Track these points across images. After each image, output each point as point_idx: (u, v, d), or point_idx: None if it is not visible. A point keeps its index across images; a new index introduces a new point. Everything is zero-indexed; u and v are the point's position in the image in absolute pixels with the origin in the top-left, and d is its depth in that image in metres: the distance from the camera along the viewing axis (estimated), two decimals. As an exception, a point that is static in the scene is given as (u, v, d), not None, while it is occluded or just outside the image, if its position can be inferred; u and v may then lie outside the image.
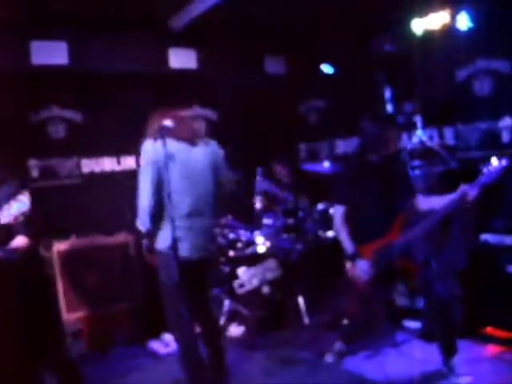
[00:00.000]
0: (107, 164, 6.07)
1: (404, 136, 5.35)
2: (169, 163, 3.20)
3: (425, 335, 4.18)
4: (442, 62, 5.12)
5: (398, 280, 3.78)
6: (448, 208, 3.49)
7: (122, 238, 5.07)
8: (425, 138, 5.12)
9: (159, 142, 3.24)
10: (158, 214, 3.34)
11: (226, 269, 5.03)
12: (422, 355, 3.88)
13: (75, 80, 5.58)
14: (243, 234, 5.23)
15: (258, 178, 5.30)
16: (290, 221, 5.34)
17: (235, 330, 4.92)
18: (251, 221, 5.47)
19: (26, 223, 3.28)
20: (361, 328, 4.12)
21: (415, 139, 5.15)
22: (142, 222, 3.37)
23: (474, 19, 4.68)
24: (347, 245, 3.77)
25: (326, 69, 6.10)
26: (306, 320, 4.99)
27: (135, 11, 5.18)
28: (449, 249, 4.45)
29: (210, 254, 3.55)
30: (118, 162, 6.11)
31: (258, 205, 5.43)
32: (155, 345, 4.74)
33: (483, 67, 4.88)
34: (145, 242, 3.53)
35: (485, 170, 3.38)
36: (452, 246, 4.45)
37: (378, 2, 4.89)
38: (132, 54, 5.77)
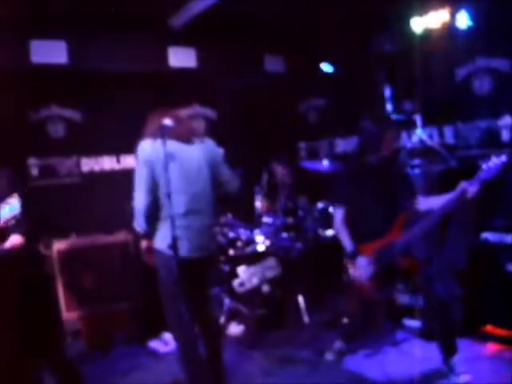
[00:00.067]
0: (107, 163, 6.08)
1: (404, 135, 5.35)
2: (169, 163, 3.20)
3: (424, 334, 4.18)
4: (441, 60, 5.12)
5: (398, 279, 3.78)
6: (447, 207, 3.49)
7: (121, 236, 5.06)
8: (425, 137, 5.12)
9: (159, 142, 3.23)
10: (154, 214, 3.34)
11: (226, 267, 5.03)
12: (422, 354, 3.87)
13: (75, 79, 5.58)
14: (243, 233, 5.23)
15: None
16: (290, 219, 5.34)
17: (235, 329, 4.92)
18: (251, 219, 5.48)
19: (20, 223, 3.28)
20: (361, 327, 4.12)
21: (415, 138, 5.15)
22: (138, 223, 3.37)
23: (473, 18, 4.67)
24: (347, 244, 3.79)
25: (326, 67, 6.10)
26: (306, 319, 4.99)
27: (135, 10, 5.18)
28: (448, 248, 4.46)
29: (210, 253, 3.54)
30: (118, 161, 6.12)
31: (258, 204, 5.44)
32: (155, 344, 4.74)
33: (483, 66, 4.88)
34: (143, 242, 3.53)
35: (484, 166, 3.38)
36: (452, 246, 4.45)
37: (377, 0, 4.89)
38: (131, 53, 5.77)
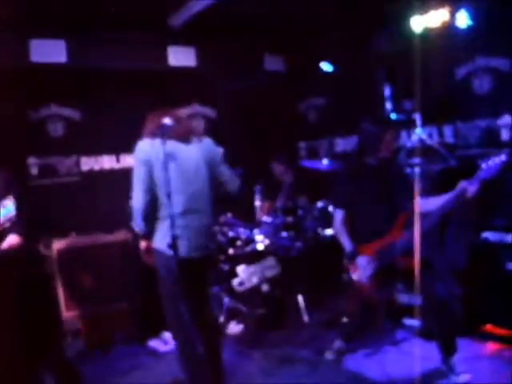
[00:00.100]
0: (106, 162, 6.07)
1: (404, 134, 5.34)
2: (168, 162, 3.20)
3: (424, 334, 4.18)
4: (441, 59, 5.11)
5: (398, 279, 3.77)
6: (447, 207, 3.49)
7: (121, 235, 5.06)
8: (424, 136, 5.11)
9: (158, 141, 3.23)
10: (152, 214, 3.34)
11: (226, 267, 5.03)
12: (422, 353, 3.86)
13: (74, 78, 5.58)
14: (242, 232, 5.23)
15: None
16: (290, 219, 5.33)
17: (234, 328, 4.92)
18: (251, 219, 5.48)
19: (16, 224, 3.28)
20: (360, 326, 4.12)
21: (415, 137, 5.15)
22: (137, 223, 3.37)
23: (473, 17, 4.67)
24: (346, 244, 3.80)
25: (326, 67, 6.10)
26: (306, 318, 4.99)
27: (134, 9, 5.17)
28: (448, 248, 4.46)
29: (209, 253, 3.53)
30: (118, 160, 6.12)
31: (257, 203, 5.44)
32: (155, 343, 4.74)
33: (483, 65, 4.88)
34: (142, 242, 3.53)
35: (483, 165, 3.38)
36: (451, 245, 4.45)
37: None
38: (131, 52, 5.77)
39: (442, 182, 4.88)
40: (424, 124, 5.11)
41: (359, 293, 3.78)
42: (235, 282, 4.89)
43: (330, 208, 5.26)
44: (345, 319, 4.22)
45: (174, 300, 3.24)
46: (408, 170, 5.03)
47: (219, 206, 3.67)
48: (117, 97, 5.87)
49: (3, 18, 4.77)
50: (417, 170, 4.94)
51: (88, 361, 4.47)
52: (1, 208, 3.03)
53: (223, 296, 4.99)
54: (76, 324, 4.77)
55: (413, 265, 3.57)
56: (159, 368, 4.33)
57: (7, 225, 3.15)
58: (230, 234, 5.24)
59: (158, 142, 3.24)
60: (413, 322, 4.44)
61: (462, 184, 3.42)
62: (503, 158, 3.33)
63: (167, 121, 3.21)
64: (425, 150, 5.07)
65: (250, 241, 5.17)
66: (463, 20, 4.70)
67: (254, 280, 4.92)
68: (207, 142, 3.59)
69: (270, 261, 5.03)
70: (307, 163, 5.72)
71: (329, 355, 4.13)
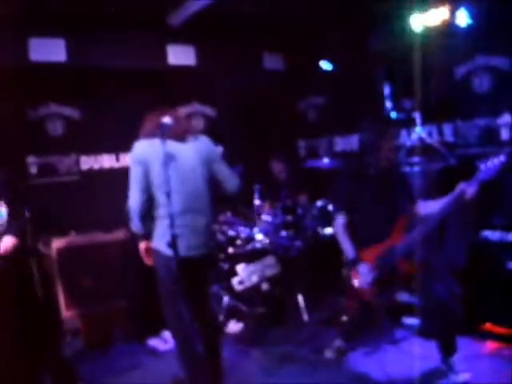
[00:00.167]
0: (106, 161, 6.07)
1: (403, 133, 5.34)
2: (168, 161, 3.19)
3: (423, 333, 4.18)
4: (441, 58, 5.11)
5: (399, 284, 3.76)
6: (446, 210, 3.48)
7: (121, 234, 5.05)
8: (424, 135, 5.12)
9: (156, 141, 3.23)
10: (148, 214, 3.33)
11: (225, 266, 5.03)
12: (422, 352, 3.87)
13: (73, 77, 5.58)
14: (242, 231, 5.23)
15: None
16: (289, 217, 5.33)
17: (234, 327, 4.92)
18: (250, 217, 5.47)
19: (8, 229, 3.29)
20: (360, 325, 4.12)
21: (414, 136, 5.15)
22: (134, 224, 3.37)
23: (473, 15, 4.67)
24: (348, 251, 3.78)
25: (326, 66, 6.09)
26: (306, 317, 4.99)
27: (133, 8, 5.16)
28: (448, 247, 4.46)
29: (208, 252, 3.52)
30: (117, 159, 6.12)
31: (257, 201, 5.43)
32: (154, 342, 4.73)
33: (482, 64, 4.88)
34: (141, 243, 3.52)
35: (482, 166, 3.37)
36: (451, 245, 4.45)
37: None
38: (130, 51, 5.77)
39: (441, 181, 4.89)
40: (424, 123, 5.11)
41: (360, 297, 3.77)
42: (235, 280, 4.88)
43: (330, 207, 5.26)
44: (344, 318, 4.22)
45: (173, 300, 3.24)
46: (408, 168, 5.04)
47: (220, 205, 3.66)
48: (116, 96, 5.87)
49: (2, 17, 4.76)
50: (416, 168, 4.95)
51: (87, 360, 4.46)
52: None
53: (223, 295, 4.99)
54: (75, 323, 4.77)
55: (413, 268, 3.57)
56: (159, 367, 4.32)
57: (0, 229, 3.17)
58: (230, 232, 5.24)
59: (156, 141, 3.24)
60: (412, 321, 4.45)
61: (461, 186, 3.41)
62: (502, 158, 3.32)
63: (167, 120, 3.21)
64: (424, 148, 5.08)
65: (250, 240, 5.17)
66: (463, 18, 4.69)
67: (254, 279, 4.92)
68: (204, 140, 3.57)
69: (270, 260, 5.02)
70: (308, 164, 5.72)
71: (328, 354, 4.13)
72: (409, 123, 5.21)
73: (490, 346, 4.06)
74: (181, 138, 3.42)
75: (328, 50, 6.10)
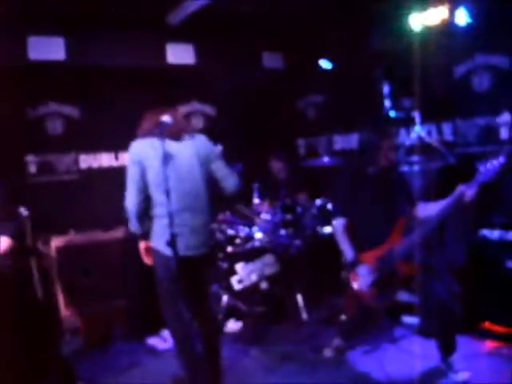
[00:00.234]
0: (105, 159, 6.08)
1: (403, 132, 5.34)
2: (167, 161, 3.19)
3: (423, 331, 4.18)
4: (440, 57, 5.10)
5: (399, 286, 3.76)
6: (446, 212, 3.48)
7: (120, 233, 5.05)
8: (423, 134, 5.12)
9: (154, 140, 3.22)
10: (145, 214, 3.33)
11: (224, 265, 5.03)
12: (421, 351, 3.87)
13: (72, 75, 5.58)
14: (241, 230, 5.23)
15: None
16: (289, 216, 5.32)
17: (233, 326, 4.92)
18: (249, 216, 5.47)
19: (7, 227, 3.29)
20: (359, 324, 4.12)
21: (414, 135, 5.15)
22: (132, 224, 3.36)
23: (472, 14, 4.66)
24: (348, 252, 3.78)
25: (325, 64, 6.09)
26: (305, 316, 4.99)
27: (133, 7, 5.15)
28: (448, 247, 4.46)
29: (207, 251, 3.52)
30: (116, 158, 6.12)
31: (256, 200, 5.43)
32: (154, 341, 4.73)
33: (482, 63, 4.87)
34: (141, 243, 3.52)
35: (482, 168, 3.37)
36: (451, 244, 4.45)
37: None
38: (129, 50, 5.77)
39: (440, 180, 4.89)
40: (423, 122, 5.11)
41: (359, 300, 3.77)
42: (234, 279, 4.89)
43: (329, 206, 5.26)
44: (343, 317, 4.22)
45: (172, 299, 3.24)
46: (407, 167, 5.04)
47: (219, 204, 3.66)
48: (115, 94, 5.87)
49: (1, 16, 4.75)
50: (416, 167, 4.95)
51: (87, 359, 4.45)
52: None
53: (222, 294, 4.99)
54: (75, 322, 4.77)
55: (413, 270, 3.57)
56: (158, 366, 4.32)
57: None
58: (229, 231, 5.24)
59: (153, 140, 3.23)
60: (412, 320, 4.45)
61: (461, 188, 3.41)
62: (501, 160, 3.31)
63: (166, 118, 3.21)
64: (424, 147, 5.08)
65: (249, 238, 5.17)
66: (462, 18, 4.69)
67: (253, 278, 4.92)
68: (200, 138, 3.56)
69: (269, 258, 5.03)
70: (308, 164, 5.73)
71: (328, 353, 4.13)
72: (408, 122, 5.21)
73: (490, 344, 4.06)
74: (177, 137, 3.41)
75: (327, 49, 6.10)
